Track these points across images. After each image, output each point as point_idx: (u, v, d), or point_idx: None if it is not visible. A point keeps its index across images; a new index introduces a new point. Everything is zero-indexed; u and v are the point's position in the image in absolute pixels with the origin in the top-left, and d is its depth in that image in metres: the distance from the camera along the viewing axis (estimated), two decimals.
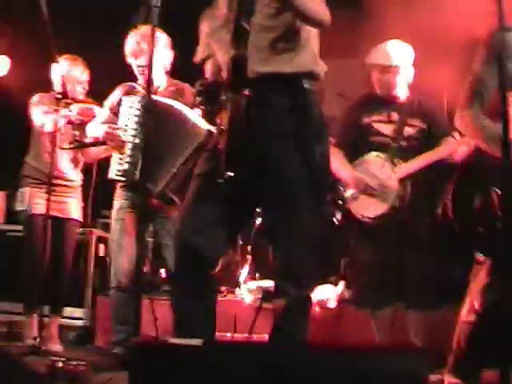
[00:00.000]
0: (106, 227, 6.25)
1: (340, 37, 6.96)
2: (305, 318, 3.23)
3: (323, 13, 3.17)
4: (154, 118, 3.18)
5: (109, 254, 5.35)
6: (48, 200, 5.04)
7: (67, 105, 5.20)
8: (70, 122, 5.27)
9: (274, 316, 3.21)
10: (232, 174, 3.06)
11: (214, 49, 3.34)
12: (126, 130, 4.56)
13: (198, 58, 3.44)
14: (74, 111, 5.19)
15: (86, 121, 5.16)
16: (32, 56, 6.20)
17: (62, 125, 5.21)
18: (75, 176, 5.59)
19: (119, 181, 4.66)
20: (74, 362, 4.05)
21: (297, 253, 3.09)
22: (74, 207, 5.54)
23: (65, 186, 5.49)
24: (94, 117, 5.12)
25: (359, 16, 6.66)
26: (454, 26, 6.07)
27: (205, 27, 3.39)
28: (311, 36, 3.27)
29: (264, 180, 3.12)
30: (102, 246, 6.48)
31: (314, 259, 3.16)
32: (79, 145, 5.27)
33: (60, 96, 5.17)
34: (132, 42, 4.77)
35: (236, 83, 3.12)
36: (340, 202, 5.02)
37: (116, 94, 4.92)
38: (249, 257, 6.28)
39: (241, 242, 6.35)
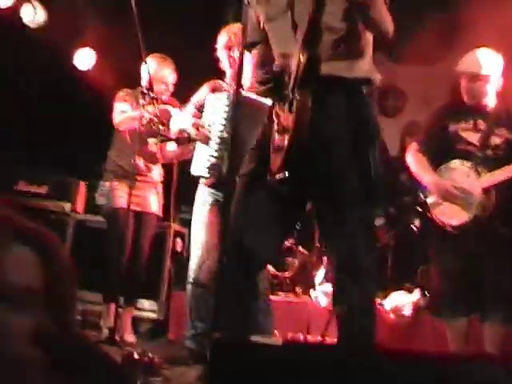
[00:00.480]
0: (184, 222, 6.32)
1: (427, 43, 6.95)
2: (370, 321, 3.17)
3: (390, 23, 3.14)
4: (242, 114, 3.21)
5: (188, 249, 5.40)
6: (129, 194, 5.12)
7: (151, 100, 5.25)
8: (150, 121, 5.32)
9: (338, 322, 3.19)
10: (287, 174, 3.06)
11: (266, 36, 3.33)
12: (210, 126, 4.62)
13: (246, 40, 3.41)
14: (151, 111, 5.23)
15: (161, 121, 5.22)
16: (120, 50, 6.30)
17: (137, 124, 5.26)
18: (155, 172, 5.68)
19: (203, 177, 4.70)
20: (150, 354, 4.09)
21: (354, 251, 3.05)
22: (153, 202, 5.62)
23: (145, 181, 5.57)
24: (169, 118, 5.18)
25: (447, 23, 6.60)
26: None
27: (259, 10, 3.34)
28: (369, 43, 3.25)
29: (319, 179, 3.11)
30: (179, 241, 6.54)
31: (371, 259, 3.14)
32: (163, 139, 5.34)
33: (145, 91, 5.22)
34: (226, 36, 4.84)
35: (305, 83, 3.11)
36: (419, 208, 4.96)
37: (203, 90, 4.98)
38: (325, 258, 6.25)
39: (317, 244, 6.33)
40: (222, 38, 4.89)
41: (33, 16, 7.08)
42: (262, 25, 3.32)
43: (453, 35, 6.69)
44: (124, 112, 5.48)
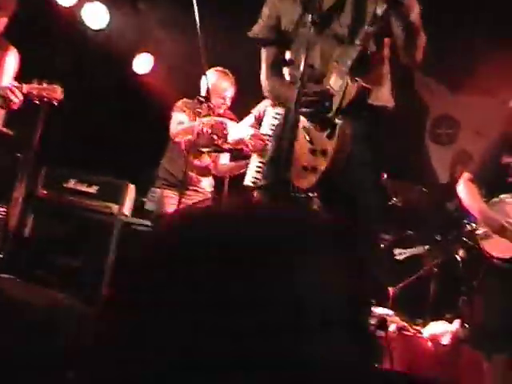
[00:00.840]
0: None
1: (485, 75, 6.96)
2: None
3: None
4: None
5: None
6: (179, 203, 5.18)
7: (208, 111, 5.30)
8: (205, 132, 5.38)
9: None
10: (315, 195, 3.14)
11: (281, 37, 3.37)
12: (267, 138, 4.68)
13: (255, 33, 3.45)
14: (206, 122, 5.29)
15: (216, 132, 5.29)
16: (180, 58, 6.39)
17: (192, 136, 5.31)
18: (206, 182, 5.74)
19: (255, 188, 4.75)
20: None
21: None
22: None
23: (196, 191, 5.64)
24: (225, 132, 5.24)
25: (508, 59, 6.60)
26: None
27: (286, 11, 3.39)
28: (388, 72, 3.31)
29: (346, 200, 3.17)
30: None
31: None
32: (216, 149, 5.40)
33: (203, 100, 5.26)
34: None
35: (350, 111, 3.17)
36: (466, 239, 4.97)
37: (263, 103, 5.05)
38: None
39: None
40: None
41: (95, 18, 7.19)
42: (283, 26, 3.35)
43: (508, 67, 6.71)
44: (181, 123, 5.54)
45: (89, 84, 7.11)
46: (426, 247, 5.92)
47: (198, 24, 4.76)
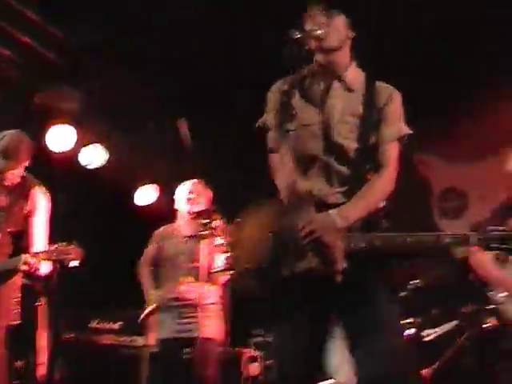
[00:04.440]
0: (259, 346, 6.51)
1: (483, 140, 7.23)
2: None
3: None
4: None
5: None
6: (177, 323, 5.68)
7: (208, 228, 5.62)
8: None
9: None
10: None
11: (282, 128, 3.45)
12: None
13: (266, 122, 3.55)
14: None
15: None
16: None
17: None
18: (210, 296, 5.96)
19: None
20: None
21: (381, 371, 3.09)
22: (209, 326, 5.84)
23: (196, 305, 5.85)
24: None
25: (495, 119, 6.90)
26: None
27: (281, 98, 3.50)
28: None
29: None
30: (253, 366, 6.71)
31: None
32: (227, 268, 5.69)
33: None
34: None
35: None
36: (491, 306, 5.12)
37: None
38: None
39: None
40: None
41: (93, 158, 7.55)
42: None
43: (505, 130, 6.99)
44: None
45: (96, 223, 7.44)
46: (455, 322, 6.05)
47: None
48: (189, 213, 6.10)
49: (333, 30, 3.34)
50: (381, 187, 3.27)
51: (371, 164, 3.33)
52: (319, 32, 3.28)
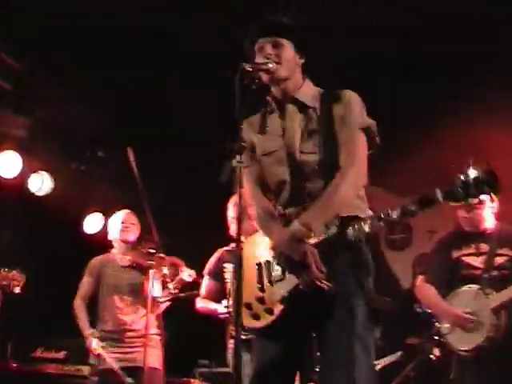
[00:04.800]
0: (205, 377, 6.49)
1: (427, 172, 7.36)
2: None
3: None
4: None
5: None
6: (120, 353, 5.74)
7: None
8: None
9: None
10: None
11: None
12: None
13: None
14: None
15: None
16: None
17: None
18: (152, 326, 5.94)
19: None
20: None
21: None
22: (153, 356, 5.82)
23: (138, 336, 5.91)
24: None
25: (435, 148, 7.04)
26: None
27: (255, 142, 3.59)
28: None
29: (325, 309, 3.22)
30: None
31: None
32: (173, 297, 5.75)
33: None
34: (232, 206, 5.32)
35: None
36: (437, 337, 5.20)
37: (213, 259, 5.48)
38: None
39: None
40: (232, 208, 5.33)
41: (40, 185, 7.51)
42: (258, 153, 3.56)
43: (442, 158, 7.12)
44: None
45: (43, 251, 7.39)
46: (399, 353, 6.11)
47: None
48: (124, 242, 6.12)
49: (282, 61, 3.40)
50: (339, 187, 3.24)
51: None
52: (269, 66, 3.34)
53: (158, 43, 6.54)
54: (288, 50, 3.45)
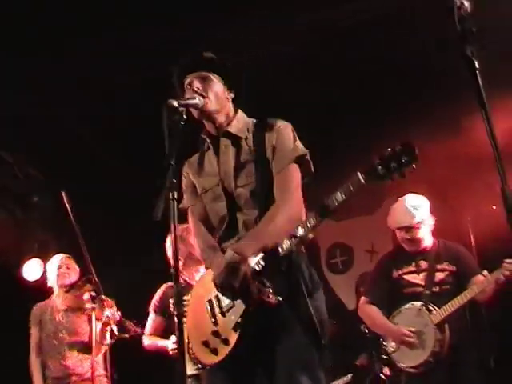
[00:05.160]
0: None
1: (366, 194, 7.47)
2: None
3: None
4: None
5: None
6: None
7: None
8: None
9: None
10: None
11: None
12: None
13: (185, 205, 3.64)
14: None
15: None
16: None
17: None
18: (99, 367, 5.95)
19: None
20: None
21: None
22: None
23: (83, 380, 5.86)
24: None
25: None
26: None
27: (195, 181, 3.64)
28: None
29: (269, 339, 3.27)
30: None
31: None
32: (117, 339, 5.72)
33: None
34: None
35: None
36: (384, 356, 5.26)
37: (157, 295, 5.49)
38: None
39: None
40: (169, 248, 5.35)
41: None
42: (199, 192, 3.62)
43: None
44: None
45: None
46: (350, 375, 6.17)
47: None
48: (61, 286, 6.08)
49: (210, 95, 3.44)
50: (274, 214, 3.29)
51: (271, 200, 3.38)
52: (196, 101, 3.37)
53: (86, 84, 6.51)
54: (216, 84, 3.49)
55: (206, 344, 3.37)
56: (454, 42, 2.49)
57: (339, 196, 3.00)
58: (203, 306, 3.43)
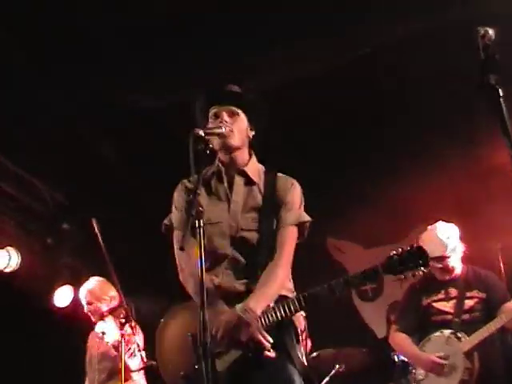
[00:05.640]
0: None
1: (394, 222, 7.47)
2: None
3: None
4: None
5: None
6: None
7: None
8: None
9: None
10: None
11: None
12: None
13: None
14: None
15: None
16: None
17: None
18: None
19: None
20: None
21: None
22: None
23: None
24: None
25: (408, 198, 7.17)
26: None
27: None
28: None
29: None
30: None
31: None
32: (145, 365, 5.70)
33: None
34: None
35: None
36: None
37: None
38: None
39: None
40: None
41: (7, 262, 7.46)
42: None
43: (414, 212, 7.25)
44: None
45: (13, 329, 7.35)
46: None
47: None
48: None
49: (236, 130, 3.48)
50: (278, 275, 3.38)
51: (270, 249, 3.45)
52: (223, 130, 3.40)
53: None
54: (242, 120, 3.54)
55: (185, 377, 3.36)
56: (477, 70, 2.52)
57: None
58: (184, 337, 3.39)
